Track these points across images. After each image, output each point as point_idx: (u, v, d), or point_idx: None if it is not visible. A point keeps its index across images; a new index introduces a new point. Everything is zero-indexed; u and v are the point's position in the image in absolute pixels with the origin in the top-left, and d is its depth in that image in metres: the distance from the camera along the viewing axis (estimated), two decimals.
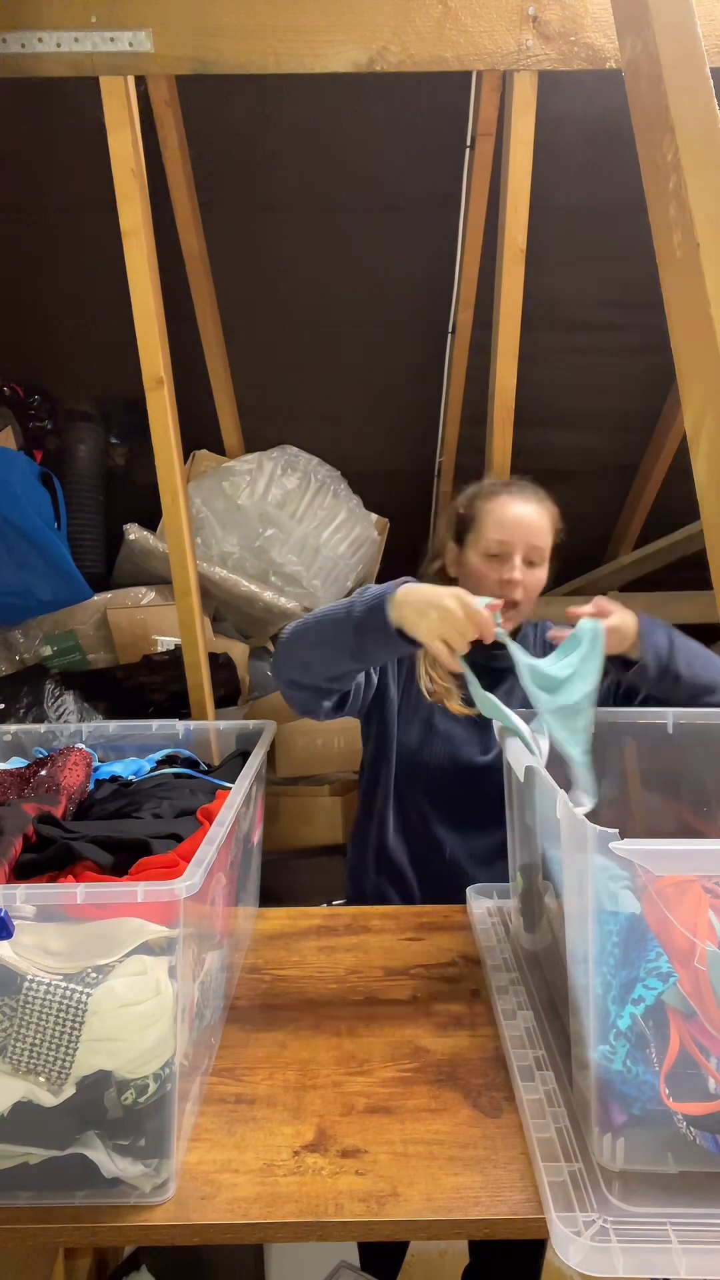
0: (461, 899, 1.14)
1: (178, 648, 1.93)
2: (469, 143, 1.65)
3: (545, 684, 0.98)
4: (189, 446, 2.14)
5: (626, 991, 0.63)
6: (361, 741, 1.34)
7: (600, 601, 1.04)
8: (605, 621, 1.00)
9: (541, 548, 1.21)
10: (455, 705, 1.23)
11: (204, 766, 1.12)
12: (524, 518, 1.20)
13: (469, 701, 1.20)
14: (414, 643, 0.93)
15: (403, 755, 1.26)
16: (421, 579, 1.27)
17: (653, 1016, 0.62)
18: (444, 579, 1.29)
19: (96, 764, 1.07)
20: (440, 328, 2.00)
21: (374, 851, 1.30)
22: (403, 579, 0.98)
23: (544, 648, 1.26)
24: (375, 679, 1.26)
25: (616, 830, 0.61)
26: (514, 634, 1.29)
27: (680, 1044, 0.62)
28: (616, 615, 1.03)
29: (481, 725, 1.24)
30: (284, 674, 1.08)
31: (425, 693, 1.25)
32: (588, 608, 1.02)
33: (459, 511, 1.28)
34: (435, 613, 0.90)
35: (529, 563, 1.20)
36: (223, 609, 2.16)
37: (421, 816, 1.25)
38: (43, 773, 0.96)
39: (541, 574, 1.23)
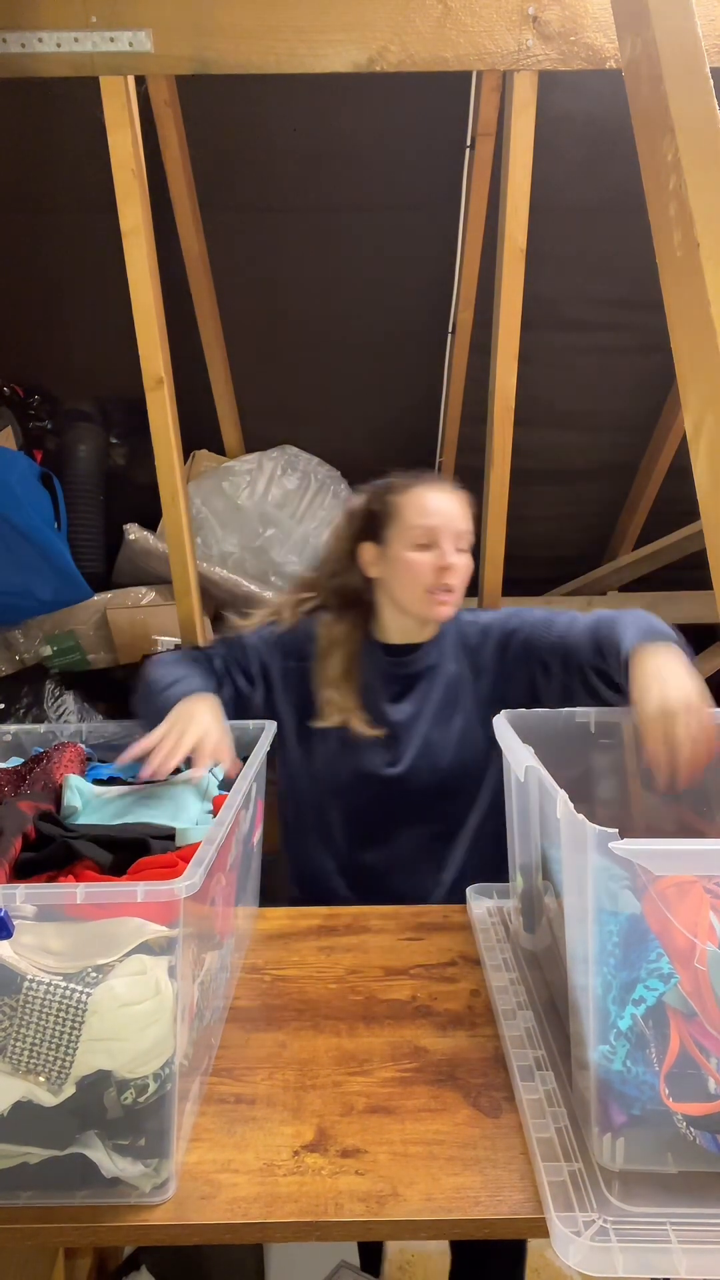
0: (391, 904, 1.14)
1: (178, 648, 1.93)
2: (469, 143, 1.65)
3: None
4: (189, 446, 2.14)
5: (627, 992, 0.63)
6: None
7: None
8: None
9: (465, 533, 1.18)
10: (359, 726, 1.19)
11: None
12: (448, 505, 1.18)
13: (372, 714, 1.20)
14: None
15: (309, 772, 1.25)
16: (322, 589, 1.29)
17: (653, 1017, 0.62)
18: (347, 593, 1.25)
19: (95, 763, 1.07)
20: (440, 328, 2.00)
21: (300, 864, 1.30)
22: (182, 695, 1.09)
23: (469, 652, 1.24)
24: (259, 696, 1.23)
25: (616, 830, 0.61)
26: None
27: (680, 1044, 0.62)
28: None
29: (389, 736, 1.21)
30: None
31: (327, 705, 1.20)
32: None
33: (370, 509, 1.23)
34: (186, 725, 1.01)
35: (456, 549, 1.17)
36: (223, 609, 2.16)
37: (340, 830, 1.25)
38: (36, 770, 0.96)
39: (469, 560, 1.19)
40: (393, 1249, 1.46)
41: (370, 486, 1.26)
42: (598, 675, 1.12)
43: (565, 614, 1.22)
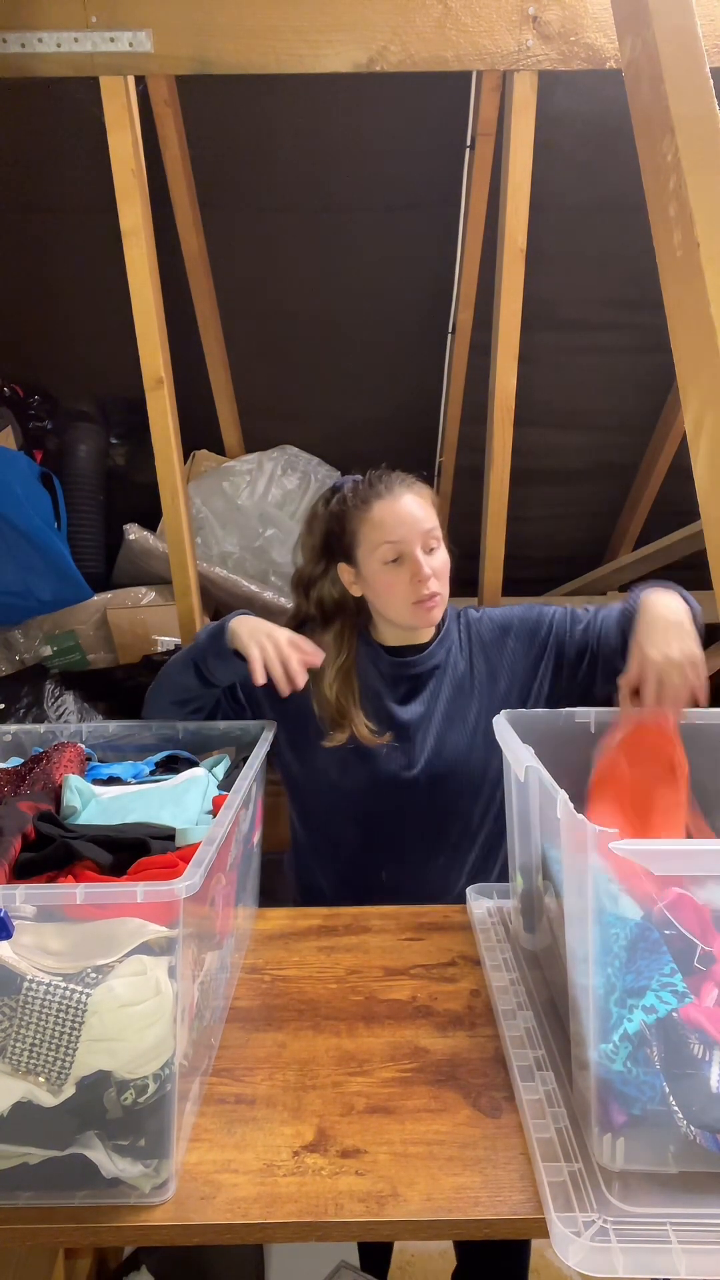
0: None
1: (178, 648, 1.93)
2: (469, 143, 1.65)
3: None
4: (189, 446, 2.14)
5: (634, 996, 0.63)
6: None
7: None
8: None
9: (432, 529, 1.15)
10: (365, 733, 1.17)
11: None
12: (405, 514, 1.14)
13: (379, 719, 1.19)
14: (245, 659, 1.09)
15: (323, 787, 1.23)
16: (302, 607, 1.29)
17: (662, 1026, 0.62)
18: (327, 605, 1.24)
19: (95, 763, 1.07)
20: (440, 328, 2.00)
21: (305, 886, 1.30)
22: (240, 610, 1.18)
23: (484, 649, 1.22)
24: (246, 707, 1.24)
25: (616, 830, 0.61)
26: (440, 625, 1.23)
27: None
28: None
29: (400, 739, 1.20)
30: (148, 717, 1.23)
31: (328, 724, 1.19)
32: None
33: (333, 531, 1.21)
34: (263, 636, 1.10)
35: (429, 550, 1.15)
36: (223, 609, 2.16)
37: (350, 846, 1.24)
38: (36, 770, 0.96)
39: (444, 554, 1.17)
40: (393, 1249, 1.46)
41: (327, 507, 1.23)
42: (625, 659, 1.09)
43: (587, 608, 1.22)
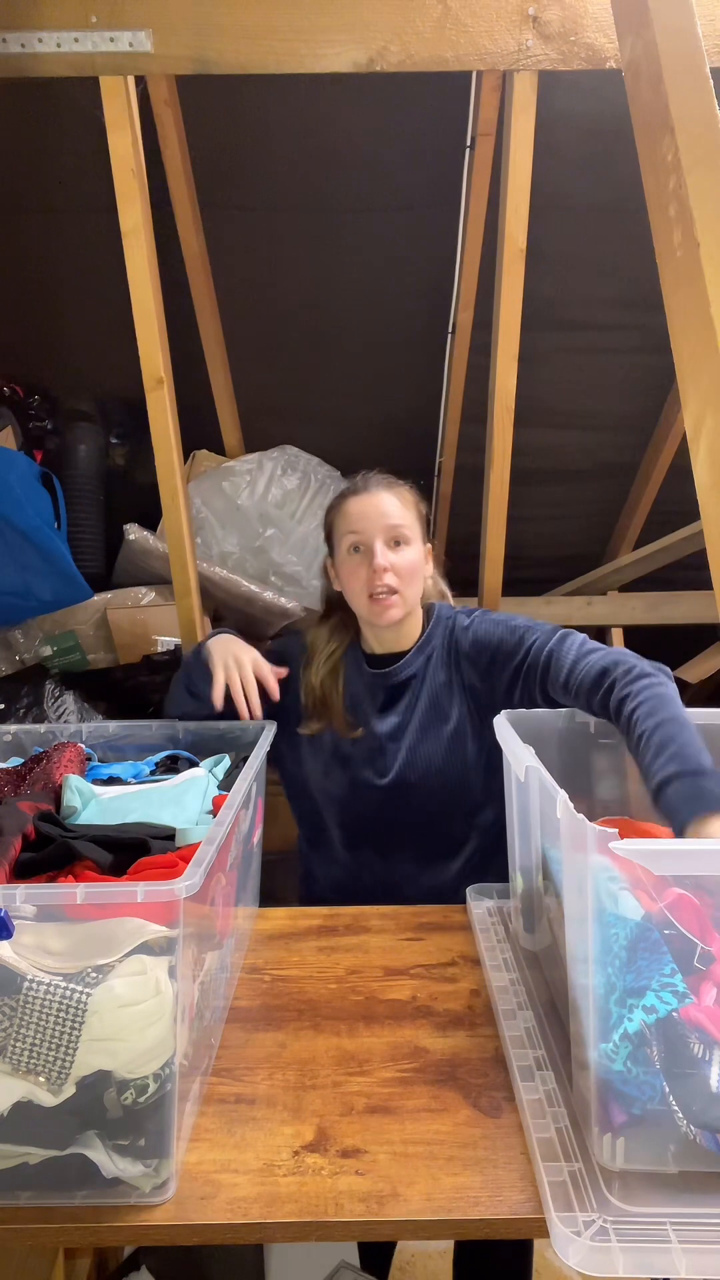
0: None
1: (178, 648, 1.93)
2: (469, 143, 1.65)
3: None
4: (189, 446, 2.13)
5: (635, 996, 0.63)
6: None
7: None
8: None
9: (400, 526, 1.17)
10: (341, 725, 1.22)
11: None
12: (371, 507, 1.18)
13: (356, 721, 1.22)
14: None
15: (311, 787, 1.26)
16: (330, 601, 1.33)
17: (661, 1027, 0.62)
18: (331, 602, 1.32)
19: (95, 763, 1.07)
20: (440, 328, 2.00)
21: (306, 884, 1.32)
22: (220, 629, 1.28)
23: (461, 660, 1.21)
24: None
25: (616, 830, 0.61)
26: (427, 623, 1.25)
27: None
28: None
29: (373, 747, 1.22)
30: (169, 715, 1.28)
31: (309, 711, 1.24)
32: None
33: (326, 531, 1.28)
34: (230, 659, 1.19)
35: (395, 544, 1.17)
36: (223, 609, 2.16)
37: (340, 843, 1.26)
38: (36, 770, 0.96)
39: (412, 553, 1.18)
40: (394, 1249, 1.46)
41: (329, 503, 1.29)
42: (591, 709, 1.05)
43: (571, 640, 1.13)
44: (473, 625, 1.23)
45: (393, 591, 1.16)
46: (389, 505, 1.18)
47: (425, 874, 1.23)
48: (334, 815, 1.25)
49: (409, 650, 1.24)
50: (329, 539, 1.27)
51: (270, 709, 1.22)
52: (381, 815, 1.22)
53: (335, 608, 1.30)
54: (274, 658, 1.27)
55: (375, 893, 1.22)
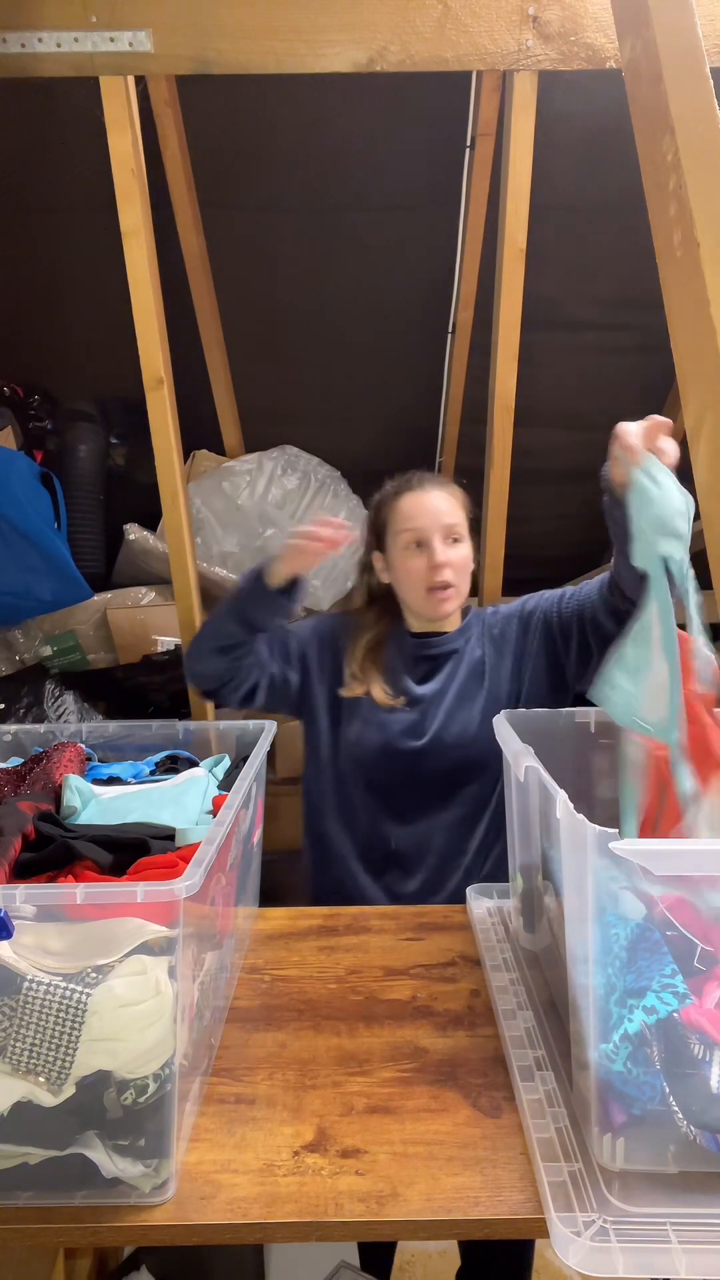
0: (410, 890, 1.21)
1: (178, 648, 1.93)
2: (469, 143, 1.65)
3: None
4: (189, 446, 2.14)
5: (635, 996, 0.63)
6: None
7: (629, 437, 0.83)
8: (655, 445, 0.82)
9: (455, 524, 1.23)
10: (380, 696, 1.25)
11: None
12: (428, 503, 1.24)
13: (396, 690, 1.26)
14: (290, 598, 1.20)
15: (338, 750, 1.29)
16: (358, 592, 1.38)
17: (662, 1027, 0.62)
18: (372, 592, 1.35)
19: (95, 763, 1.07)
20: (440, 328, 2.00)
21: (320, 850, 1.32)
22: (266, 557, 1.21)
23: (493, 641, 1.29)
24: (295, 679, 1.30)
25: (616, 830, 0.61)
26: (464, 616, 1.32)
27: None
28: (664, 439, 0.83)
29: (413, 711, 1.26)
30: (192, 669, 1.30)
31: (350, 678, 1.28)
32: (635, 437, 0.82)
33: (373, 521, 1.32)
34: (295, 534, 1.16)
35: (451, 541, 1.23)
36: None
37: (364, 808, 1.27)
38: (36, 769, 0.96)
39: (465, 550, 1.25)
40: (395, 1249, 1.46)
41: (375, 498, 1.34)
42: (611, 615, 1.13)
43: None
44: (496, 610, 1.34)
45: (448, 585, 1.22)
46: (445, 503, 1.24)
47: (446, 837, 1.25)
48: (363, 779, 1.27)
49: (450, 630, 1.30)
50: (378, 534, 1.30)
51: (319, 664, 1.29)
52: (413, 777, 1.24)
53: (377, 598, 1.34)
54: (314, 628, 1.34)
55: (396, 859, 1.25)
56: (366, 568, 1.36)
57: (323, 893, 1.30)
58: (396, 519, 1.25)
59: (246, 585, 1.23)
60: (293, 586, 1.21)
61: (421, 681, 1.28)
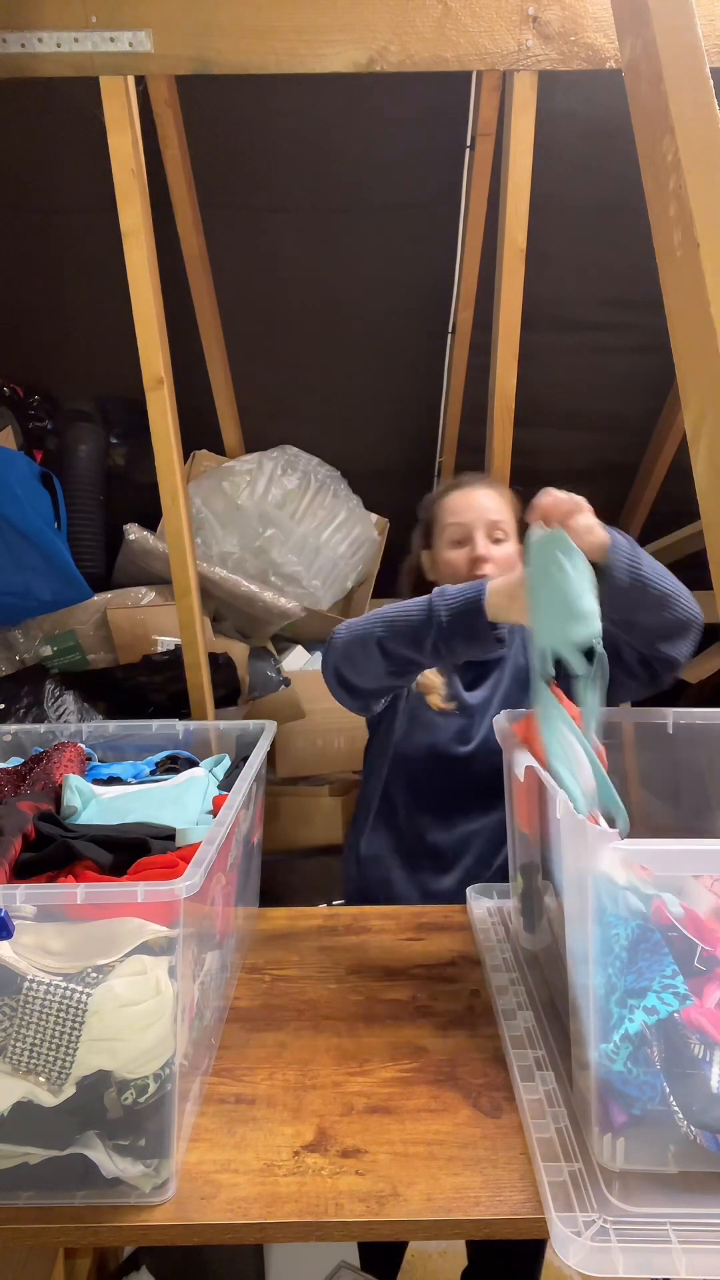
0: (444, 887, 1.20)
1: (178, 648, 1.93)
2: (469, 143, 1.65)
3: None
4: (189, 446, 2.14)
5: (635, 997, 0.63)
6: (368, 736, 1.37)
7: (547, 499, 0.86)
8: (570, 522, 0.85)
9: (500, 522, 1.24)
10: (436, 700, 1.25)
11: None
12: (475, 500, 1.26)
13: (452, 697, 1.26)
14: (500, 639, 0.96)
15: (389, 747, 1.29)
16: (402, 588, 1.36)
17: (662, 1027, 0.62)
18: (422, 585, 1.32)
19: (95, 763, 1.07)
20: (440, 328, 2.00)
21: (359, 845, 1.33)
22: (480, 582, 0.97)
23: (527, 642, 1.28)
24: None
25: (616, 830, 0.61)
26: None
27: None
28: (583, 516, 0.87)
29: (462, 717, 1.26)
30: (339, 675, 1.12)
31: (420, 683, 1.28)
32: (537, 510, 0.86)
33: (421, 519, 1.34)
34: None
35: (494, 540, 1.24)
36: (223, 609, 2.16)
37: (405, 807, 1.27)
38: (36, 769, 0.96)
39: (510, 548, 1.25)
40: (405, 1250, 1.46)
41: (425, 498, 1.36)
42: (638, 654, 1.06)
43: None
44: None
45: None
46: (490, 501, 1.25)
47: (485, 839, 1.25)
48: (406, 778, 1.28)
49: None
50: (427, 533, 1.32)
51: None
52: (455, 780, 1.25)
53: None
54: None
55: (430, 854, 1.25)
56: (415, 568, 1.36)
57: (355, 887, 1.31)
58: (442, 514, 1.27)
59: (453, 620, 0.97)
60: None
61: (470, 687, 1.28)
